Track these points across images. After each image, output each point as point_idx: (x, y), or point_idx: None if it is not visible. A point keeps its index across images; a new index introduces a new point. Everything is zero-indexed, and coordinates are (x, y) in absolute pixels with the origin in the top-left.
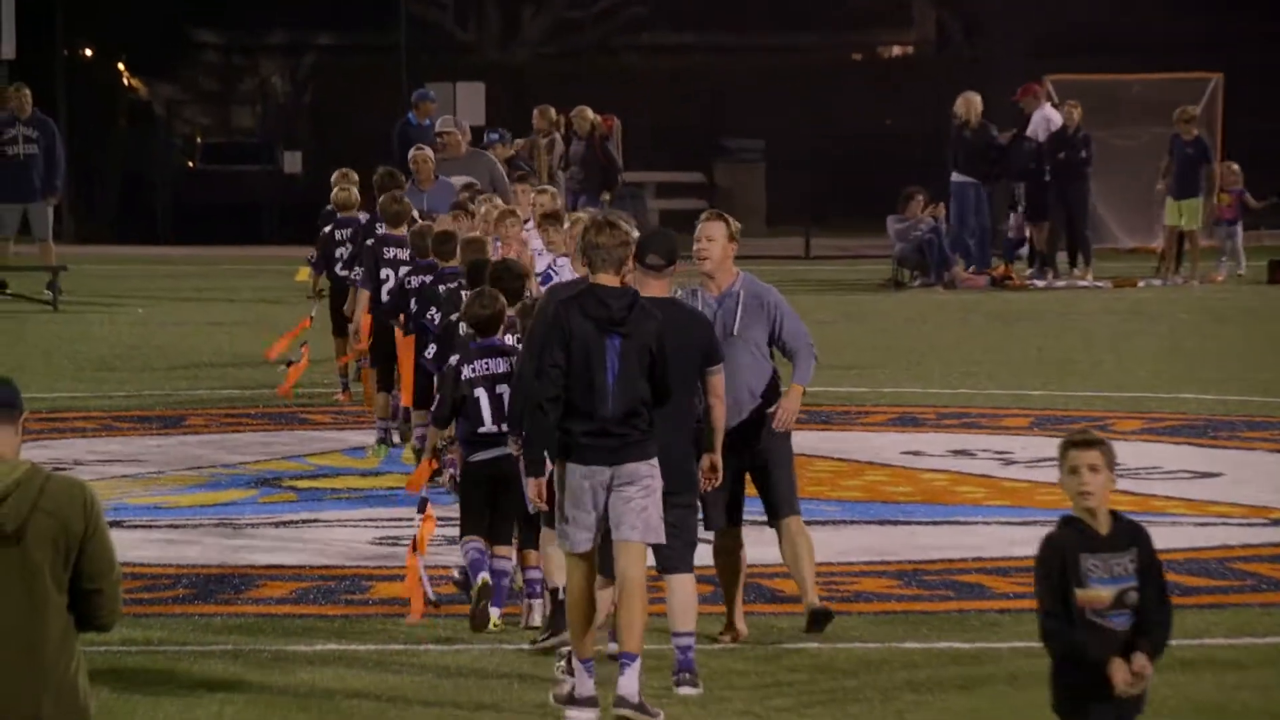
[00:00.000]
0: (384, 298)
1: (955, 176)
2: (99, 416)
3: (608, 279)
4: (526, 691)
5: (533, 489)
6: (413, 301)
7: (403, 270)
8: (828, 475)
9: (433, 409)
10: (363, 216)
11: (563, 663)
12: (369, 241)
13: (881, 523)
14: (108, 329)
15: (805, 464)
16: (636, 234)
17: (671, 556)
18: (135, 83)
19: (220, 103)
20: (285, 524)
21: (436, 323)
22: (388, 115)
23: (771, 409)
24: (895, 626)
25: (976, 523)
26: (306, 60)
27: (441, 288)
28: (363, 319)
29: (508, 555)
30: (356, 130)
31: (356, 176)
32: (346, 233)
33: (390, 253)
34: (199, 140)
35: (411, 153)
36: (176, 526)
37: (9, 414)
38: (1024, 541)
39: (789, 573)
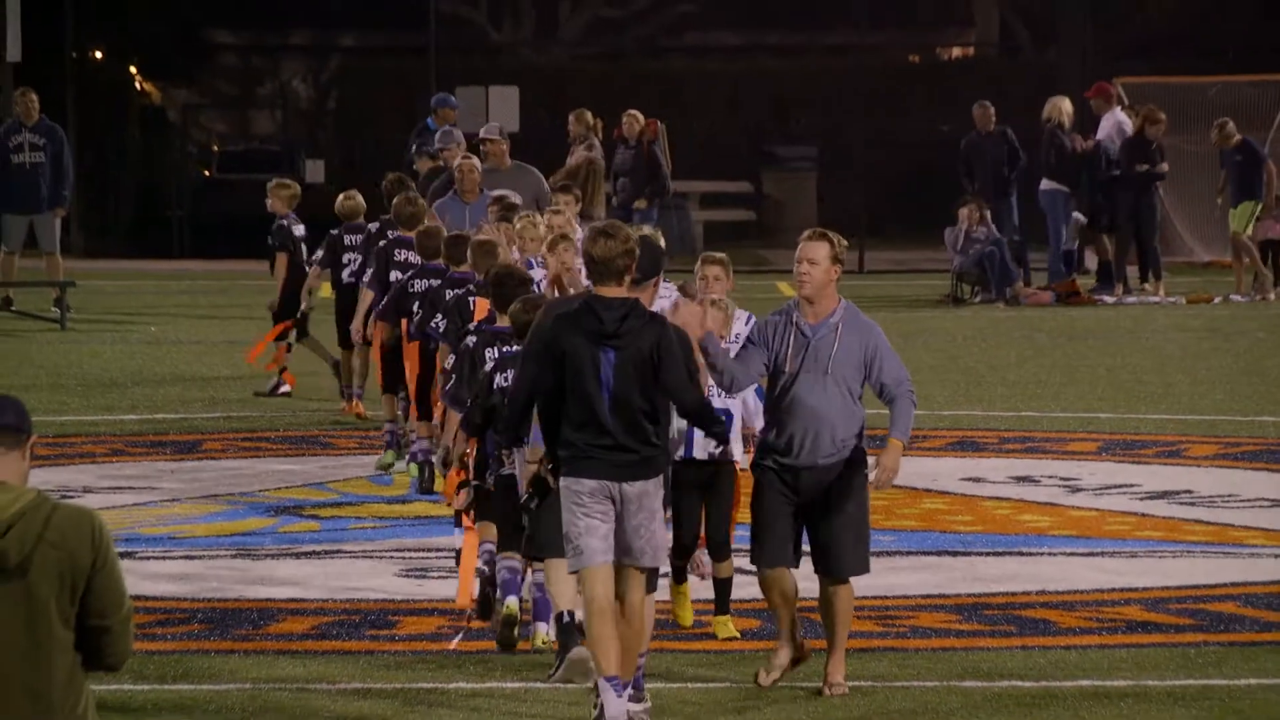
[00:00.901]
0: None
1: (1044, 184)
2: (109, 440)
3: (608, 291)
4: None
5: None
6: (416, 305)
7: (409, 273)
8: (882, 504)
9: (463, 416)
10: (373, 227)
11: (596, 711)
12: (381, 243)
13: (940, 554)
14: (119, 348)
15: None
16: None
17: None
18: (148, 87)
19: (239, 108)
20: (307, 555)
21: (441, 329)
22: (416, 121)
23: (870, 471)
24: (954, 664)
25: (1041, 554)
26: (330, 62)
27: (448, 293)
28: (361, 317)
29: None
30: (383, 137)
31: (296, 186)
32: (357, 239)
33: (401, 255)
34: (216, 148)
35: (458, 160)
36: (192, 557)
37: (14, 438)
38: (1091, 574)
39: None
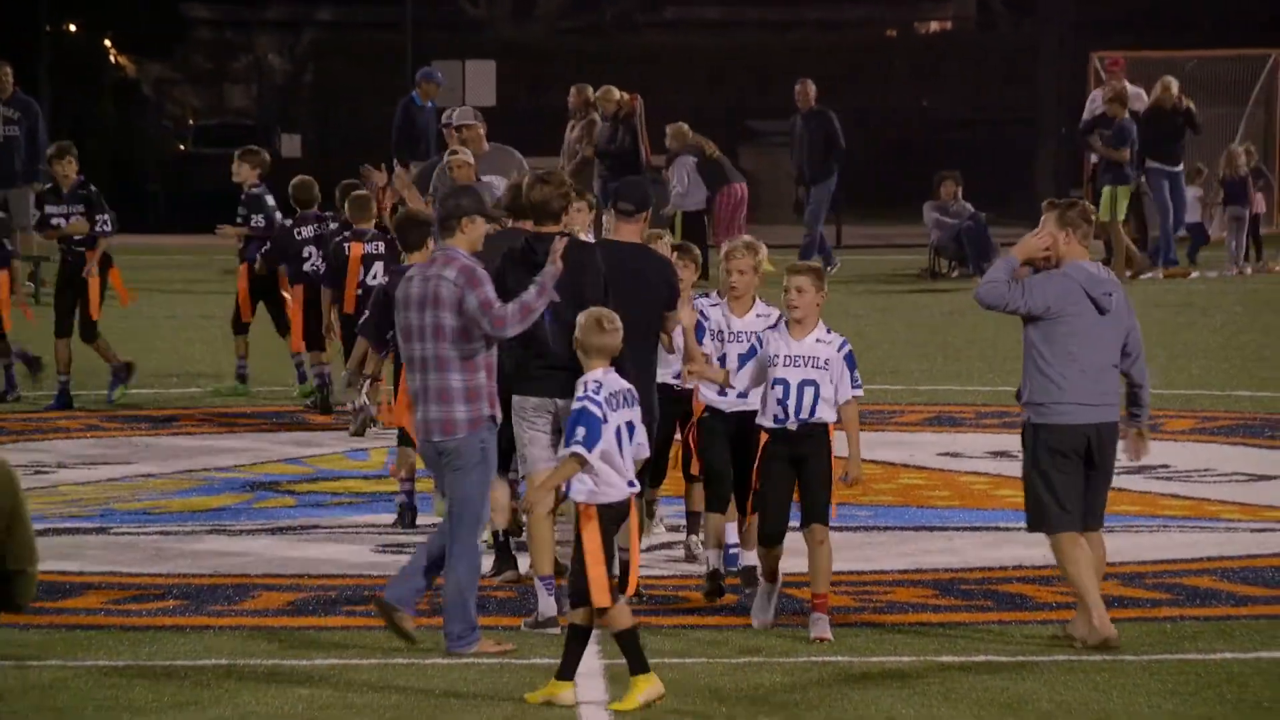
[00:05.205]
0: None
1: (1149, 164)
2: (84, 416)
3: (546, 229)
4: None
5: None
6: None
7: (290, 222)
8: None
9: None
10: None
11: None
12: (338, 240)
13: (917, 529)
14: None
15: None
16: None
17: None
18: (123, 61)
19: (214, 82)
20: (282, 530)
21: (320, 271)
22: (392, 96)
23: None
24: (931, 639)
25: (1018, 529)
26: (306, 37)
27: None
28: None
29: None
30: (359, 112)
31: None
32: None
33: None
34: (191, 122)
35: (446, 157)
36: (167, 533)
37: None
38: None
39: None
